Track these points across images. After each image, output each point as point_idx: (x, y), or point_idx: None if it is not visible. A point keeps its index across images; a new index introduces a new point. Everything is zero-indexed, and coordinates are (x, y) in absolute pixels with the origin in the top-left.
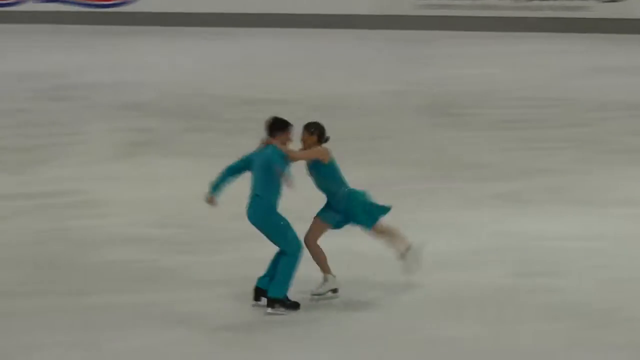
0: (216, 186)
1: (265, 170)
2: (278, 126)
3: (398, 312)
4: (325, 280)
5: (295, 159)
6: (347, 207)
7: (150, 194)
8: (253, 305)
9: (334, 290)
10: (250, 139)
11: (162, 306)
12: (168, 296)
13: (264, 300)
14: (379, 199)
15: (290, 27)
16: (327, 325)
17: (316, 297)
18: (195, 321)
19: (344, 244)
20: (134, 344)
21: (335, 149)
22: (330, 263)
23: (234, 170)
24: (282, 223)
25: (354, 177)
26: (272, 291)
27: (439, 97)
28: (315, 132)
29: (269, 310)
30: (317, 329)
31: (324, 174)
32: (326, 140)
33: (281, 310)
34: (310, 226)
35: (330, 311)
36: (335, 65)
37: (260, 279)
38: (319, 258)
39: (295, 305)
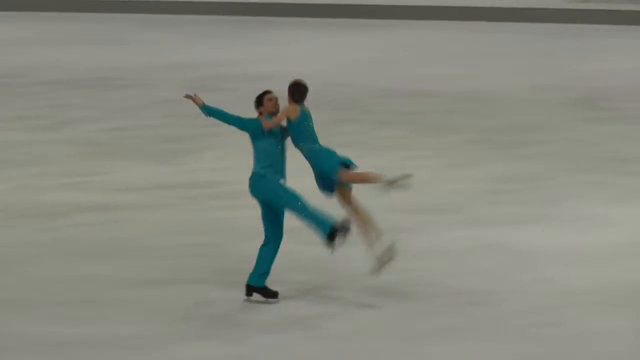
0: None
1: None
2: (256, 104)
3: (541, 305)
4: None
5: (268, 128)
6: (314, 164)
7: (297, 185)
8: (244, 300)
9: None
10: (401, 131)
11: (306, 297)
12: (313, 287)
13: (255, 296)
14: (530, 193)
15: (438, 19)
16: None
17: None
18: (348, 312)
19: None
20: (277, 338)
21: (485, 142)
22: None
23: None
24: (271, 185)
25: (504, 170)
26: (322, 235)
27: (591, 90)
28: (289, 90)
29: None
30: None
31: (294, 132)
32: (298, 99)
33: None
34: (338, 199)
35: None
36: (485, 58)
37: (251, 276)
38: (362, 217)
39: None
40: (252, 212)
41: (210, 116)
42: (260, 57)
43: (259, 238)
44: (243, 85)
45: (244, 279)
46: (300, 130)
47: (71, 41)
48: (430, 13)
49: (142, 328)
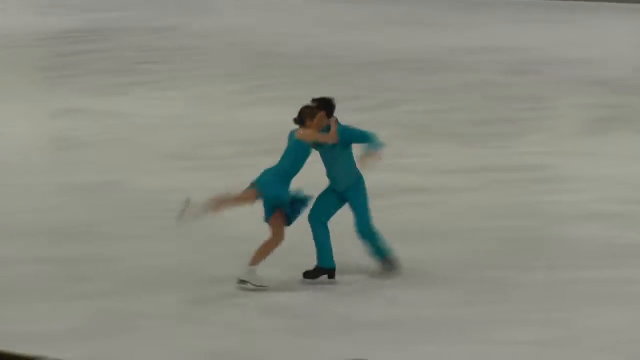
0: None
1: None
2: None
3: None
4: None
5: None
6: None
7: (618, 170)
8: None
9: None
10: None
11: (629, 284)
12: (634, 274)
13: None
14: None
15: None
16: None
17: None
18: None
19: None
20: (605, 322)
21: None
22: None
23: None
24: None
25: None
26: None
27: None
28: None
29: None
30: None
31: None
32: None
33: None
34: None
35: None
36: None
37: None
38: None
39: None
40: (575, 197)
41: None
42: (575, 41)
43: (587, 221)
44: (556, 69)
45: (575, 260)
46: None
47: (388, 23)
48: None
49: (470, 309)
